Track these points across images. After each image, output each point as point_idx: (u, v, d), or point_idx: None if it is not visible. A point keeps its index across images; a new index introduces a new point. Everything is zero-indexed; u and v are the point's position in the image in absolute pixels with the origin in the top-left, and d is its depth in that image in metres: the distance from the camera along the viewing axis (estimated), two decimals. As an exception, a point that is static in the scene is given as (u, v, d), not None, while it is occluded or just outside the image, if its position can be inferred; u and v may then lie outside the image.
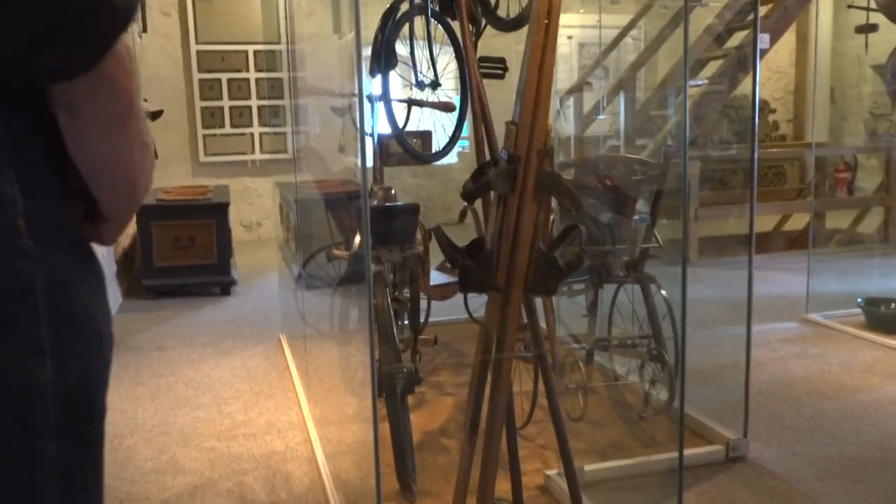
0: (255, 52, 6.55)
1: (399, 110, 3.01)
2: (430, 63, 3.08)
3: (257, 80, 6.58)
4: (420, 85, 3.08)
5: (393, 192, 2.40)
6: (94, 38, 0.45)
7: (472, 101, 1.64)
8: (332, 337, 3.40)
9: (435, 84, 3.07)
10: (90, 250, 0.55)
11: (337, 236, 3.82)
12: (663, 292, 2.48)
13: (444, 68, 3.16)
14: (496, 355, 1.58)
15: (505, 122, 1.47)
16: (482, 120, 1.63)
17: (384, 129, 3.33)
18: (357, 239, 2.64)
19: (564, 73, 7.26)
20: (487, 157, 1.73)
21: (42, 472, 0.45)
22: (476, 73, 1.65)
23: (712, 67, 6.11)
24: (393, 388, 1.93)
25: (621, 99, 5.69)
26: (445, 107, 2.71)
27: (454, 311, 3.57)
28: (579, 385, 2.34)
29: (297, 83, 5.16)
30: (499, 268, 1.49)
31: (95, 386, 0.52)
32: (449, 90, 3.07)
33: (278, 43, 6.39)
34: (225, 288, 4.62)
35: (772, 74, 9.08)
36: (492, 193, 1.57)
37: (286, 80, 6.34)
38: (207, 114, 6.55)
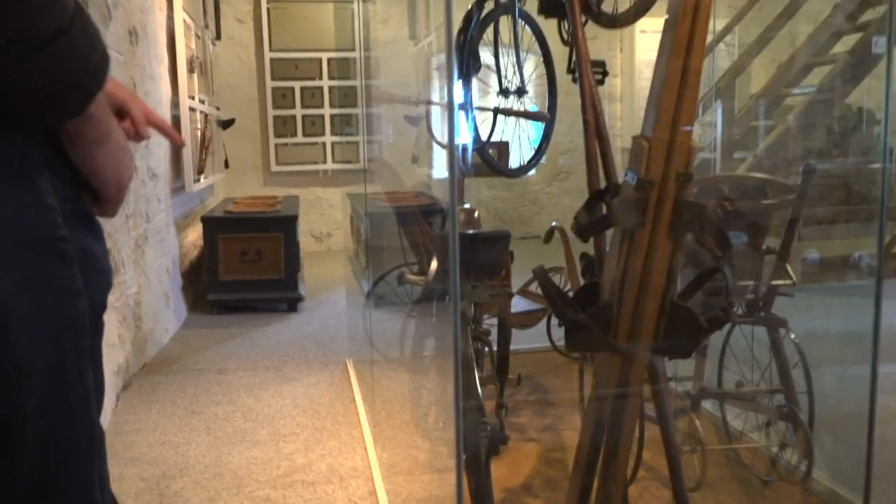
0: (329, 60, 6.38)
1: (482, 120, 2.71)
2: (517, 68, 2.77)
3: (330, 88, 6.41)
4: (504, 92, 2.78)
5: (476, 214, 2.10)
6: (80, 102, 0.71)
7: (584, 108, 1.33)
8: (403, 365, 3.12)
9: (521, 91, 2.76)
10: (97, 223, 0.80)
11: (409, 254, 3.55)
12: (793, 335, 2.09)
13: (530, 75, 2.85)
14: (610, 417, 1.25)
15: (632, 137, 1.14)
16: (596, 133, 1.31)
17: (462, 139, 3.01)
18: (433, 264, 2.35)
19: (648, 82, 6.82)
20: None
21: (85, 356, 0.76)
22: (589, 73, 1.34)
23: (817, 75, 5.61)
24: (476, 450, 1.62)
25: (718, 108, 5.25)
26: (538, 117, 2.40)
27: (534, 339, 3.26)
28: (694, 446, 1.98)
29: (371, 91, 4.96)
30: (620, 323, 1.16)
31: (105, 298, 0.81)
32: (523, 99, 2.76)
33: (353, 50, 6.21)
34: (291, 304, 4.42)
35: (878, 83, 8.39)
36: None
37: (359, 88, 6.16)
38: (280, 122, 6.43)
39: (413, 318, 2.93)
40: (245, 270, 4.35)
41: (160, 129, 0.93)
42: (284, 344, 3.72)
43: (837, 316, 3.77)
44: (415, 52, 5.93)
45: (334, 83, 6.40)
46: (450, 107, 1.18)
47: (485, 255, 1.74)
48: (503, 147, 2.88)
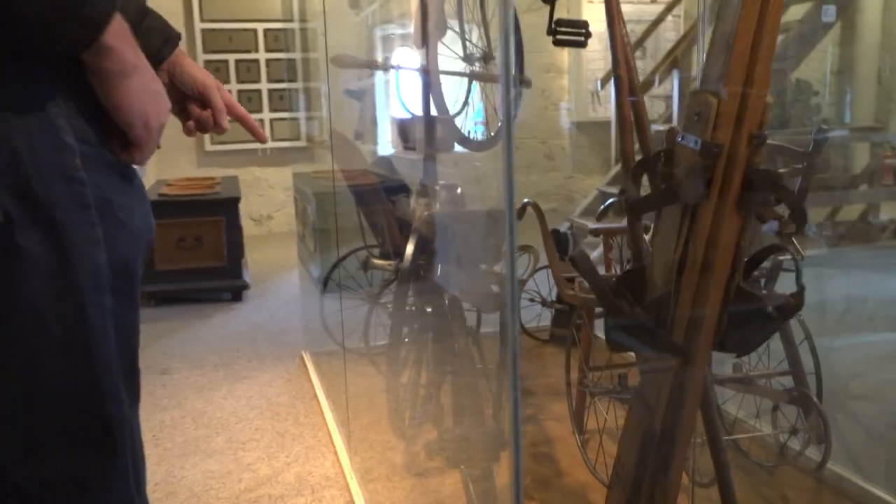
0: (266, 31, 6.01)
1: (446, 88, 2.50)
2: (483, 31, 2.57)
3: (268, 61, 6.04)
4: (469, 58, 2.57)
5: (459, 191, 1.88)
6: (85, 33, 0.67)
7: (614, 62, 1.12)
8: (370, 358, 2.89)
9: (487, 57, 2.56)
10: (127, 170, 0.78)
11: (369, 237, 3.30)
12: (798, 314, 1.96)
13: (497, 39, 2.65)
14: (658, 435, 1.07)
15: (692, 92, 0.95)
16: (627, 92, 1.11)
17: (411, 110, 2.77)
18: (409, 248, 2.12)
19: (600, 53, 6.70)
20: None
21: (104, 314, 0.73)
22: (620, 21, 1.13)
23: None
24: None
25: (674, 79, 5.14)
26: (518, 83, 2.20)
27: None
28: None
29: (311, 64, 4.66)
30: (677, 315, 0.97)
31: (133, 260, 0.78)
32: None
33: (291, 21, 5.85)
34: (236, 293, 4.11)
35: (814, 54, 8.48)
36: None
37: (299, 62, 5.82)
38: (213, 98, 6.02)
39: (380, 305, 2.70)
40: (184, 258, 4.02)
41: (242, 121, 0.93)
42: (232, 337, 3.44)
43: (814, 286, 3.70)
44: (357, 22, 5.62)
45: (272, 56, 6.03)
46: (506, 73, 0.95)
47: (476, 237, 1.53)
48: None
